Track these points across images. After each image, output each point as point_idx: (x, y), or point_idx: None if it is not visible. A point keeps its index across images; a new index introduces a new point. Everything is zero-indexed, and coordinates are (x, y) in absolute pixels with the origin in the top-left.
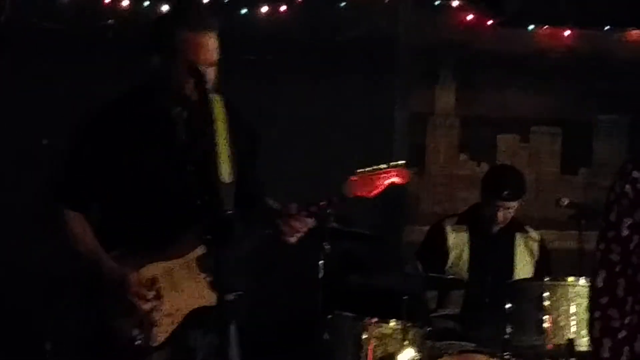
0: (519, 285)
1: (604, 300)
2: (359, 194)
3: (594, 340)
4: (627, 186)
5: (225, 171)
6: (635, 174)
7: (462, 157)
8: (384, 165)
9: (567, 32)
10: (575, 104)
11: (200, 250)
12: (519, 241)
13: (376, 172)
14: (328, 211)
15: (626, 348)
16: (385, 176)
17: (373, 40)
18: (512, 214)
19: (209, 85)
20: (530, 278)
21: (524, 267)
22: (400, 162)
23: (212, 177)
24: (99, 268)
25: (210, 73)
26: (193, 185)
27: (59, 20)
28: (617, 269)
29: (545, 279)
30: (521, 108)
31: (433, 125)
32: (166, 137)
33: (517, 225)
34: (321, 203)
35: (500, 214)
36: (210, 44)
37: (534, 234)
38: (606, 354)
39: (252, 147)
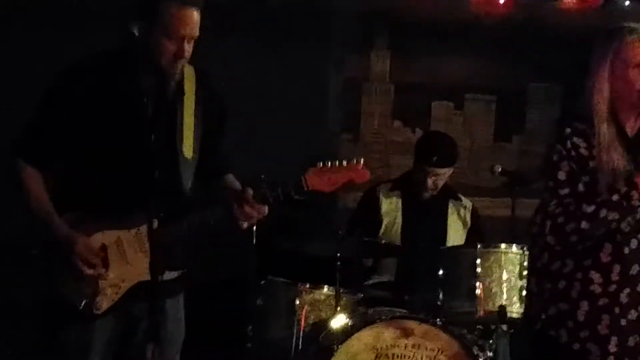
0: (451, 251)
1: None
2: (316, 187)
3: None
4: (572, 152)
5: (188, 147)
6: (575, 139)
7: (397, 123)
8: (344, 162)
9: (501, 0)
10: (509, 71)
11: (153, 224)
12: (451, 209)
13: (335, 168)
14: (262, 176)
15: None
16: (345, 173)
17: (307, 6)
18: (443, 181)
19: (182, 61)
20: (462, 245)
21: (455, 234)
22: (360, 159)
23: (173, 151)
24: (46, 227)
25: (188, 49)
26: (154, 158)
27: None
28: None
29: (478, 246)
30: (455, 75)
31: (367, 92)
32: (133, 105)
33: (450, 193)
34: (278, 189)
35: (430, 180)
36: (194, 20)
37: (466, 201)
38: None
39: (220, 122)
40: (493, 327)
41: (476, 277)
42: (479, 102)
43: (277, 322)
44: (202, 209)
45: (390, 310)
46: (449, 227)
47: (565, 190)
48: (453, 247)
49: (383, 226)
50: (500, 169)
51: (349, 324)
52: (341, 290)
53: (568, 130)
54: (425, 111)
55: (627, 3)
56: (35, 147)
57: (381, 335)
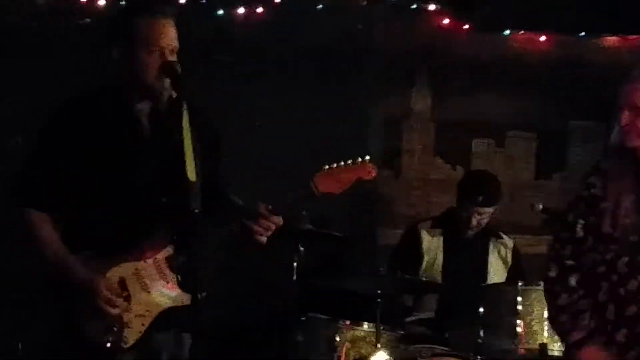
0: (492, 289)
1: (557, 287)
2: (326, 190)
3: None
4: (585, 192)
5: (191, 169)
6: (591, 179)
7: (437, 160)
8: (350, 161)
9: (542, 38)
10: (550, 109)
11: (169, 250)
12: (492, 247)
13: (342, 167)
14: (303, 212)
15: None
16: (352, 172)
17: (349, 43)
18: (487, 220)
19: (171, 76)
20: (503, 282)
21: (496, 274)
22: (366, 157)
23: (178, 175)
24: (64, 271)
25: (173, 59)
26: (159, 184)
27: (37, 20)
28: (568, 268)
29: (519, 284)
30: (496, 113)
31: (409, 129)
32: (129, 133)
33: (491, 231)
34: (288, 194)
35: (475, 219)
36: (168, 30)
37: (507, 240)
38: (565, 321)
39: (215, 146)
40: None
41: (517, 314)
42: (520, 140)
43: (318, 359)
44: (214, 228)
45: (431, 347)
46: (489, 266)
47: (566, 234)
48: (494, 284)
49: (424, 263)
50: (541, 207)
51: None
52: (382, 327)
53: (589, 171)
54: (467, 148)
55: None
56: (38, 190)
57: None
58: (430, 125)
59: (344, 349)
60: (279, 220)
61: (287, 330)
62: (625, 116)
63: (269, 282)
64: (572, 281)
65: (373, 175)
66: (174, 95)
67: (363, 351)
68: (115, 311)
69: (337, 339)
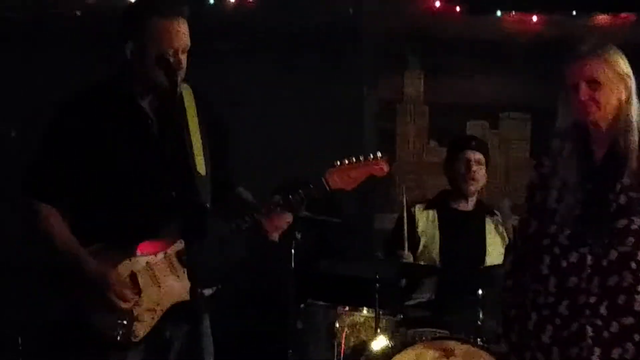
0: (490, 271)
1: (509, 282)
2: (338, 186)
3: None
4: (534, 173)
5: (200, 163)
6: (542, 159)
7: (432, 143)
8: (362, 158)
9: (534, 18)
10: (543, 89)
11: (179, 245)
12: (489, 224)
13: (354, 164)
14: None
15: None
16: (364, 168)
17: (340, 27)
18: (482, 178)
19: (180, 74)
20: (501, 264)
21: (494, 250)
22: (378, 154)
23: (188, 169)
24: (76, 264)
25: (183, 60)
26: (168, 178)
27: (25, 12)
28: (519, 253)
29: None
30: (490, 94)
31: (402, 113)
32: (137, 128)
33: (485, 208)
34: (299, 192)
35: (471, 168)
36: (182, 30)
37: (510, 216)
38: (499, 330)
39: (223, 138)
40: None
41: None
42: (514, 121)
43: (318, 345)
44: (226, 222)
45: (431, 331)
46: (488, 244)
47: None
48: (492, 266)
49: (421, 245)
50: None
51: (390, 345)
52: (381, 312)
53: (542, 152)
54: (461, 130)
55: None
56: (48, 183)
57: (422, 356)
58: (424, 108)
59: (344, 334)
60: (290, 217)
61: (286, 317)
62: (584, 91)
63: (267, 270)
64: (517, 275)
65: (385, 171)
66: (182, 90)
67: (363, 336)
68: (126, 305)
69: (337, 325)
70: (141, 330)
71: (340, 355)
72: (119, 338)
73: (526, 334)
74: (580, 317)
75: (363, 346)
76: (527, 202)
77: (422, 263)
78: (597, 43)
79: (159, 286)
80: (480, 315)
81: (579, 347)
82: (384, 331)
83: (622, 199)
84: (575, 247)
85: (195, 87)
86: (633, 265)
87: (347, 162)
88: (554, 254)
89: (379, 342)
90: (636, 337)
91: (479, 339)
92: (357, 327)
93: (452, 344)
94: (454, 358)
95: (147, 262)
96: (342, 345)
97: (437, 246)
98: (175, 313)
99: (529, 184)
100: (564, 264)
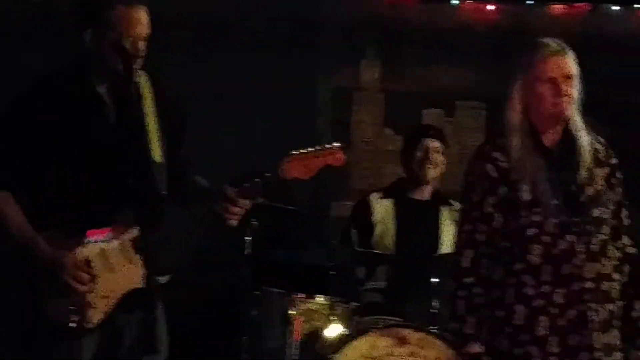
0: (444, 259)
1: (469, 279)
2: (294, 175)
3: (458, 317)
4: (489, 166)
5: (156, 150)
6: (495, 154)
7: (388, 131)
8: (319, 147)
9: (490, 7)
10: (499, 78)
11: (134, 232)
12: (444, 214)
13: (311, 153)
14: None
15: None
16: (320, 158)
17: (296, 16)
18: (442, 161)
19: (138, 62)
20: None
21: (449, 240)
22: (335, 144)
23: (144, 156)
24: (31, 250)
25: (142, 47)
26: (124, 165)
27: None
28: (481, 249)
29: None
30: (446, 83)
31: (358, 101)
32: (94, 114)
33: (441, 198)
34: (255, 180)
35: (430, 155)
36: (142, 18)
37: (458, 206)
38: (469, 331)
39: (179, 126)
40: None
41: None
42: (470, 110)
43: (272, 332)
44: (182, 210)
45: (385, 318)
46: (442, 233)
47: (476, 213)
48: (446, 254)
49: (376, 233)
50: None
51: (344, 333)
52: (335, 300)
53: (488, 147)
54: (417, 119)
55: (613, 8)
56: (2, 168)
57: (376, 344)
58: (380, 96)
59: (298, 322)
60: (248, 204)
61: (241, 304)
62: (564, 86)
63: (222, 257)
64: (484, 269)
65: (342, 161)
66: (140, 78)
67: (317, 324)
68: (82, 288)
69: (291, 312)
70: (95, 316)
71: (294, 343)
72: (73, 325)
73: (513, 329)
74: (579, 303)
75: (317, 333)
76: (480, 197)
77: (376, 251)
78: (560, 40)
79: (114, 273)
80: (435, 304)
81: (579, 334)
82: (338, 319)
83: (590, 190)
84: (563, 235)
85: (153, 75)
86: (609, 253)
87: (303, 151)
88: (544, 243)
89: (334, 330)
90: (616, 323)
91: (433, 327)
92: (312, 314)
93: (406, 331)
94: (408, 346)
95: (101, 249)
96: (297, 333)
97: (392, 235)
98: (130, 300)
99: (479, 178)
100: (556, 251)
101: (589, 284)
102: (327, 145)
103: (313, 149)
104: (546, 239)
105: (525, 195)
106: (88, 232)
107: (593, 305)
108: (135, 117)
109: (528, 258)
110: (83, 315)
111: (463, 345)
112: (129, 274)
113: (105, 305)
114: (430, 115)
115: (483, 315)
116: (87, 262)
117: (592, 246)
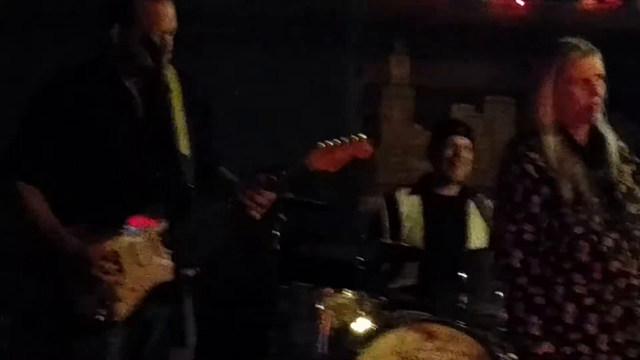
0: (474, 254)
1: (523, 280)
2: (321, 168)
3: (519, 320)
4: (529, 166)
5: (184, 144)
6: (531, 154)
7: (417, 127)
8: (346, 139)
9: (520, 2)
10: (529, 73)
11: (163, 225)
12: (472, 208)
13: (338, 145)
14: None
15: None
16: (347, 150)
17: (325, 10)
18: (470, 159)
19: (166, 56)
20: (485, 247)
21: (479, 234)
22: (362, 135)
23: (172, 149)
24: (58, 244)
25: (169, 41)
26: (152, 158)
27: None
28: (530, 249)
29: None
30: (475, 78)
31: (387, 96)
32: (122, 107)
33: (470, 193)
34: (282, 172)
35: (462, 154)
36: (169, 12)
37: (487, 201)
38: (536, 332)
39: (206, 119)
40: None
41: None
42: (499, 105)
43: (301, 327)
44: (210, 202)
45: (414, 313)
46: (471, 228)
47: (522, 214)
48: (476, 250)
49: (406, 229)
50: None
51: (373, 328)
52: (364, 295)
53: (522, 148)
54: (446, 114)
55: None
56: (30, 163)
57: (405, 338)
58: (409, 92)
59: (327, 316)
60: (273, 196)
61: (269, 299)
62: (598, 86)
63: (251, 252)
64: (535, 268)
65: (369, 153)
66: (168, 72)
67: (346, 318)
68: (110, 279)
69: (320, 306)
70: (124, 310)
71: (323, 337)
72: (101, 318)
73: (563, 328)
74: (625, 300)
75: (346, 328)
76: (523, 197)
77: (405, 244)
78: (588, 39)
79: (142, 266)
80: (463, 299)
81: (627, 331)
82: (367, 313)
83: (622, 188)
84: (608, 232)
85: (180, 69)
86: None
87: (330, 143)
88: (592, 241)
89: (362, 324)
90: None
91: (461, 322)
92: (341, 309)
93: (435, 326)
94: (437, 341)
95: (129, 242)
96: (325, 327)
97: (421, 231)
98: (158, 294)
99: (518, 178)
100: (604, 249)
101: (635, 281)
102: (354, 137)
103: (340, 141)
104: (593, 236)
105: (568, 194)
106: (130, 219)
107: (639, 301)
108: (163, 110)
109: (576, 256)
110: (111, 309)
111: (532, 347)
112: (157, 268)
113: (134, 299)
114: (460, 111)
115: (543, 314)
116: (115, 254)
117: (633, 242)
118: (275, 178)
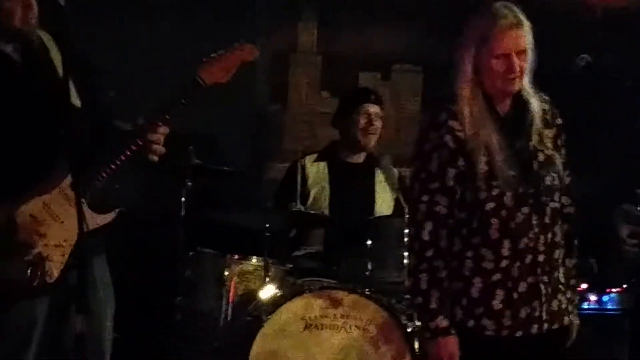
0: (379, 221)
1: (430, 252)
2: (213, 81)
3: (421, 292)
4: (447, 136)
5: (73, 95)
6: (451, 123)
7: (324, 94)
8: (228, 48)
9: None
10: (437, 42)
11: (69, 178)
12: (379, 176)
13: (223, 54)
14: (190, 147)
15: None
16: (233, 56)
17: None
18: (380, 127)
19: (32, 15)
20: (390, 214)
21: (384, 202)
22: (242, 40)
23: (63, 103)
24: None
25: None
26: (46, 115)
27: None
28: (441, 221)
29: (406, 215)
30: (383, 46)
31: (295, 63)
32: (5, 73)
33: (376, 161)
34: (179, 96)
35: (374, 122)
36: None
37: (393, 170)
38: (434, 305)
39: (91, 77)
40: None
41: (404, 246)
42: (406, 73)
43: (206, 293)
44: (109, 151)
45: (319, 280)
46: (377, 195)
47: (436, 185)
48: (380, 217)
49: (311, 197)
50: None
51: (278, 294)
52: (270, 261)
53: (443, 115)
54: (353, 82)
55: None
56: None
57: (310, 305)
58: (317, 59)
59: (233, 283)
60: (166, 129)
61: (175, 265)
62: (517, 62)
63: (157, 218)
64: (443, 241)
65: (256, 55)
66: (42, 35)
67: (252, 285)
68: (35, 250)
69: (226, 273)
70: (55, 269)
71: (229, 303)
72: (35, 283)
73: (468, 301)
74: (531, 276)
75: (252, 294)
76: (438, 168)
77: (311, 211)
78: (518, 11)
79: (62, 221)
80: (369, 266)
81: (530, 307)
82: (273, 280)
83: (541, 156)
84: (518, 207)
85: (55, 32)
86: (559, 221)
87: (214, 55)
88: (501, 217)
89: (268, 291)
90: (562, 287)
91: (366, 289)
92: (246, 275)
93: (340, 293)
94: (342, 307)
95: (43, 202)
96: (231, 294)
97: (327, 198)
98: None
99: (436, 148)
100: (513, 225)
101: (540, 257)
102: (236, 44)
103: (224, 51)
104: (504, 212)
105: (483, 167)
106: None
107: (544, 277)
108: (47, 67)
109: (487, 232)
110: (42, 272)
111: (429, 320)
112: (75, 219)
113: (62, 256)
114: (367, 78)
115: (445, 288)
116: (33, 217)
117: (545, 217)
118: (169, 103)
